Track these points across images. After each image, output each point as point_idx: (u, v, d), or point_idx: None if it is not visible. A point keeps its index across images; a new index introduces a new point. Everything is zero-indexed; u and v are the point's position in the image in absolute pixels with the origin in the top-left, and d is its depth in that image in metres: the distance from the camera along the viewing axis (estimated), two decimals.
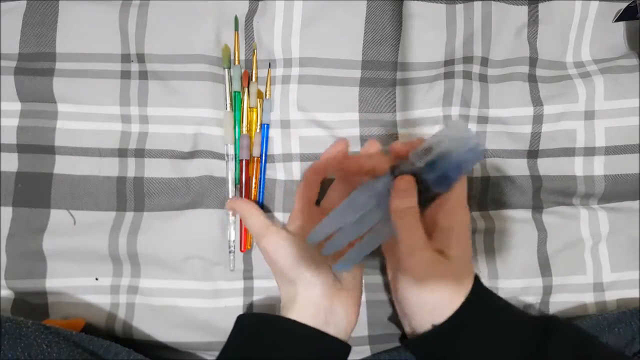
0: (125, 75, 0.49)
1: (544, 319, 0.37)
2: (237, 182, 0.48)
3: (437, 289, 0.35)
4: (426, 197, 0.36)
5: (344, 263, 0.38)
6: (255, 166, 0.48)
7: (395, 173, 0.36)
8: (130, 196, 0.48)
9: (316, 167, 0.43)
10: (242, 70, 0.49)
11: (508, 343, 0.35)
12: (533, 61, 0.51)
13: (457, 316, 0.35)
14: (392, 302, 0.48)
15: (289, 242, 0.41)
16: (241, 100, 0.48)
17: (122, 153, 0.48)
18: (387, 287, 0.48)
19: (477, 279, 0.37)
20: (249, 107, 0.48)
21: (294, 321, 0.38)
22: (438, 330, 0.35)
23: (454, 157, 0.34)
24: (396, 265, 0.39)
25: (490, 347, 0.35)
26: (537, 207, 0.50)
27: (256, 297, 0.48)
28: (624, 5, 0.50)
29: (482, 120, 0.50)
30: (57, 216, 0.48)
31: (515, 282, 0.49)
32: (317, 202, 0.45)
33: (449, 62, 0.50)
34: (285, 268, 0.40)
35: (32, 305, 0.47)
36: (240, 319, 0.40)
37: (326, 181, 0.46)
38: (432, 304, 0.36)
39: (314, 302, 0.39)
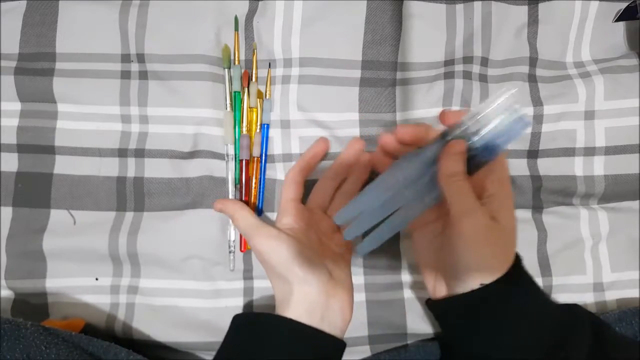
0: (125, 75, 0.49)
1: (566, 307, 0.37)
2: (237, 182, 0.48)
3: (489, 252, 0.35)
4: (471, 165, 0.36)
5: (368, 244, 0.39)
6: (255, 166, 0.48)
7: (447, 138, 0.36)
8: (130, 196, 0.48)
9: (301, 166, 0.45)
10: (242, 70, 0.49)
11: (543, 319, 0.35)
12: (533, 61, 0.51)
13: (507, 278, 0.35)
14: (389, 300, 0.48)
15: (280, 241, 0.40)
16: (241, 100, 0.48)
17: (122, 153, 0.48)
18: (388, 287, 0.48)
19: (518, 256, 0.38)
20: (249, 107, 0.48)
21: (289, 319, 0.38)
22: (487, 290, 0.35)
23: (503, 126, 0.35)
24: (436, 231, 0.40)
25: (528, 318, 0.35)
26: (537, 207, 0.50)
27: (256, 297, 0.48)
28: (624, 5, 0.50)
29: None
30: (57, 216, 0.48)
31: None
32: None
33: (449, 62, 0.50)
34: (278, 266, 0.40)
35: (32, 306, 0.47)
36: (235, 319, 0.40)
37: (309, 182, 0.46)
38: (483, 265, 0.36)
39: (308, 299, 0.39)
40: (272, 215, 0.49)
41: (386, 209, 0.38)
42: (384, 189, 0.38)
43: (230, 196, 0.48)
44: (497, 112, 0.35)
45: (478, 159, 0.36)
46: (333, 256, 0.43)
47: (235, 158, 0.48)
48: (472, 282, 0.36)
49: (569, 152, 0.50)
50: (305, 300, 0.39)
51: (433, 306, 0.41)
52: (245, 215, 0.43)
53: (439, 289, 0.40)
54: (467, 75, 0.50)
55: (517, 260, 0.37)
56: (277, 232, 0.41)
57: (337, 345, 0.39)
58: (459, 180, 0.35)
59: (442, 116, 0.38)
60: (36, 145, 0.48)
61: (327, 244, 0.44)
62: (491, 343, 0.35)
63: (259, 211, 0.48)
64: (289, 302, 0.39)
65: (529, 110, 0.50)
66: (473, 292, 0.36)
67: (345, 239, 0.39)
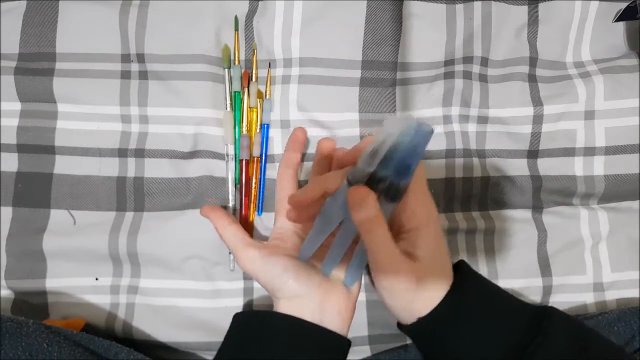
0: (125, 75, 0.49)
1: (538, 309, 0.36)
2: (237, 182, 0.48)
3: (407, 297, 0.35)
4: (394, 192, 0.34)
5: (351, 278, 0.39)
6: (255, 166, 0.48)
7: (351, 182, 0.34)
8: (130, 196, 0.48)
9: (286, 160, 0.45)
10: (242, 70, 0.49)
11: (492, 336, 0.34)
12: (533, 61, 0.51)
13: (429, 316, 0.34)
14: None
15: (266, 265, 0.38)
16: (241, 100, 0.48)
17: (122, 153, 0.48)
18: None
19: (463, 273, 0.37)
20: (249, 107, 0.48)
21: (291, 316, 0.37)
22: (416, 326, 0.35)
23: (405, 145, 0.32)
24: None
25: (473, 339, 0.34)
26: (537, 207, 0.50)
27: (256, 297, 0.48)
28: (624, 5, 0.50)
29: (482, 120, 0.50)
30: (57, 216, 0.48)
31: (515, 282, 0.49)
32: None
33: (449, 62, 0.50)
34: (268, 283, 0.39)
35: (32, 305, 0.47)
36: (236, 317, 0.40)
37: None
38: (405, 309, 0.35)
39: (301, 307, 0.38)
40: (272, 215, 0.49)
41: (348, 234, 0.37)
42: (328, 224, 0.37)
43: (230, 196, 0.48)
44: (394, 138, 0.32)
45: (395, 186, 0.34)
46: None
47: (235, 158, 0.48)
48: (404, 319, 0.36)
49: (569, 152, 0.50)
50: (297, 310, 0.38)
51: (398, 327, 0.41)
52: (234, 232, 0.41)
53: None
54: (467, 75, 0.50)
55: (457, 281, 0.36)
56: (262, 256, 0.39)
57: (340, 342, 0.38)
58: (370, 226, 0.33)
59: (337, 159, 0.38)
60: (36, 145, 0.48)
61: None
62: None
63: (259, 211, 0.48)
64: (285, 297, 0.38)
65: (529, 110, 0.50)
66: (412, 325, 0.36)
67: (324, 275, 0.39)
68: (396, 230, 0.36)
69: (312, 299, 0.38)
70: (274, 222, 0.45)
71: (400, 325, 0.38)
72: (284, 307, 0.38)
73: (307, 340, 0.37)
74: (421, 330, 0.36)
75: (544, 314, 0.35)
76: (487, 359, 0.34)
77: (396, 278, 0.34)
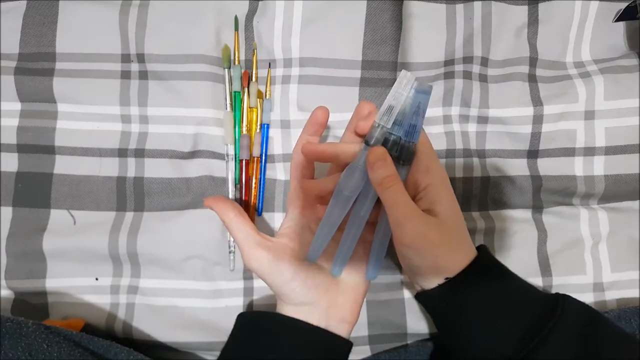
0: (125, 75, 0.49)
1: (552, 294, 0.37)
2: (237, 182, 0.48)
3: (433, 253, 0.35)
4: (404, 154, 0.36)
5: (372, 270, 0.39)
6: (255, 166, 0.48)
7: (369, 144, 0.36)
8: (130, 196, 0.48)
9: (303, 144, 0.40)
10: (242, 70, 0.49)
11: (512, 310, 0.35)
12: (533, 61, 0.51)
13: (459, 277, 0.35)
14: (389, 300, 0.48)
15: (274, 263, 0.37)
16: (241, 100, 0.48)
17: (122, 153, 0.48)
18: (388, 287, 0.48)
19: (486, 251, 0.38)
20: (249, 107, 0.48)
21: (295, 319, 0.37)
22: (440, 289, 0.36)
23: (411, 105, 0.35)
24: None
25: (495, 309, 0.35)
26: (537, 207, 0.50)
27: (256, 297, 0.48)
28: (624, 5, 0.50)
29: (482, 120, 0.50)
30: (57, 216, 0.48)
31: None
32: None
33: (449, 62, 0.50)
34: (274, 287, 0.38)
35: (32, 305, 0.47)
36: (240, 318, 0.40)
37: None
38: (432, 267, 0.36)
39: (307, 313, 0.38)
40: (272, 215, 0.49)
41: (355, 227, 0.37)
42: (341, 205, 0.37)
43: (231, 196, 0.48)
44: (398, 97, 0.35)
45: (407, 147, 0.36)
46: None
47: (235, 158, 0.48)
48: (429, 283, 0.37)
49: (569, 152, 0.50)
50: (302, 315, 0.38)
51: (416, 298, 0.42)
52: (241, 227, 0.38)
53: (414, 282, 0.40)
54: (467, 75, 0.50)
55: (481, 252, 0.37)
56: (271, 259, 0.37)
57: (343, 344, 0.38)
58: (389, 186, 0.34)
59: (357, 127, 0.37)
60: (36, 145, 0.48)
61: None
62: (462, 336, 0.36)
63: (258, 211, 0.48)
64: (289, 298, 0.38)
65: (529, 110, 0.50)
66: (432, 290, 0.36)
67: (335, 277, 0.39)
68: (412, 193, 0.37)
69: (318, 306, 0.38)
70: (285, 214, 0.43)
71: (419, 295, 0.39)
72: (289, 311, 0.38)
73: (310, 343, 0.37)
74: (444, 295, 0.36)
75: (558, 298, 0.36)
76: (504, 334, 0.34)
77: (420, 233, 0.35)
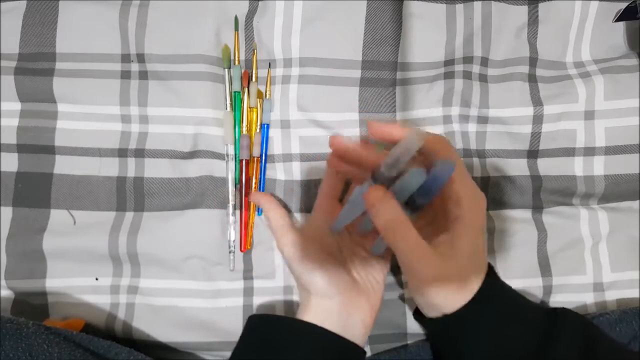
0: (125, 75, 0.49)
1: (553, 311, 0.36)
2: (237, 182, 0.48)
3: (436, 294, 0.35)
4: (414, 205, 0.33)
5: (377, 246, 0.40)
6: (255, 166, 0.48)
7: (375, 178, 0.33)
8: (130, 196, 0.48)
9: (331, 158, 0.39)
10: (242, 70, 0.49)
11: (512, 338, 0.35)
12: (533, 61, 0.51)
13: (461, 313, 0.35)
14: (389, 300, 0.48)
15: (303, 252, 0.39)
16: (241, 100, 0.48)
17: (122, 153, 0.48)
18: (388, 287, 0.48)
19: (490, 271, 0.37)
20: (249, 107, 0.48)
21: (309, 323, 0.38)
22: (444, 320, 0.36)
23: (424, 183, 0.31)
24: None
25: (494, 340, 0.35)
26: (537, 207, 0.50)
27: (256, 297, 0.48)
28: (624, 5, 0.50)
29: (482, 120, 0.50)
30: (57, 216, 0.48)
31: (515, 282, 0.48)
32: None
33: (449, 62, 0.50)
34: (301, 276, 0.40)
35: (32, 305, 0.47)
36: (252, 320, 0.40)
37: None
38: (431, 305, 0.36)
39: (328, 311, 0.38)
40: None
41: None
42: (356, 208, 0.36)
43: (230, 196, 0.48)
44: (404, 154, 0.31)
45: (417, 202, 0.33)
46: (363, 261, 0.42)
47: (235, 158, 0.48)
48: (434, 313, 0.36)
49: (569, 152, 0.50)
50: (325, 311, 0.38)
51: (413, 315, 0.42)
52: (276, 215, 0.42)
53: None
54: (467, 75, 0.50)
55: (487, 281, 0.36)
56: (302, 241, 0.40)
57: (357, 352, 0.39)
58: (392, 227, 0.32)
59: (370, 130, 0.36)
60: (36, 145, 0.48)
61: (360, 246, 0.43)
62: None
63: (258, 211, 0.48)
64: (307, 309, 0.39)
65: (529, 110, 0.50)
66: (433, 320, 0.36)
67: (359, 233, 0.39)
68: (437, 219, 0.36)
69: (339, 303, 0.39)
70: (311, 217, 0.45)
71: (418, 316, 0.39)
72: (313, 304, 0.39)
73: (325, 352, 0.37)
74: (441, 326, 0.36)
75: (557, 316, 0.35)
76: None
77: (426, 279, 0.34)
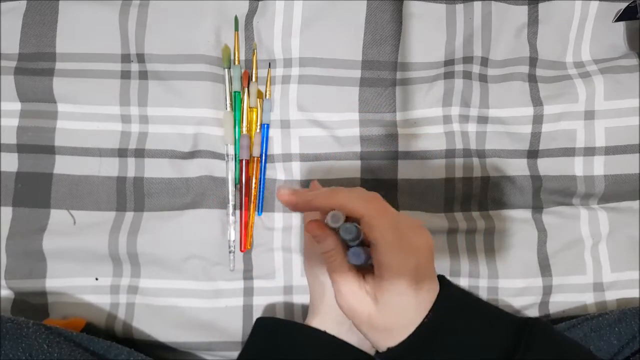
0: (125, 75, 0.49)
1: (524, 323, 0.33)
2: (237, 182, 0.48)
3: (366, 331, 0.33)
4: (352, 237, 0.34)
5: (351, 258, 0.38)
6: (255, 166, 0.48)
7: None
8: (130, 196, 0.48)
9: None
10: (242, 70, 0.49)
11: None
12: (533, 61, 0.51)
13: (397, 349, 0.32)
14: None
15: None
16: (241, 100, 0.48)
17: (122, 153, 0.48)
18: None
19: (444, 293, 0.34)
20: (249, 107, 0.48)
21: (317, 329, 0.38)
22: (385, 354, 0.33)
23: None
24: None
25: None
26: (537, 207, 0.50)
27: (256, 297, 0.48)
28: (624, 5, 0.50)
29: (482, 120, 0.50)
30: (57, 216, 0.48)
31: (515, 282, 0.49)
32: None
33: (449, 62, 0.50)
34: (312, 285, 0.40)
35: (32, 305, 0.47)
36: (260, 323, 0.40)
37: None
38: (367, 337, 0.34)
39: (338, 317, 0.38)
40: (272, 215, 0.49)
41: None
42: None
43: (230, 196, 0.48)
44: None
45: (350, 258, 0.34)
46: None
47: (235, 158, 0.48)
48: (379, 346, 0.34)
49: (569, 152, 0.50)
50: (336, 309, 0.36)
51: None
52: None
53: None
54: (467, 75, 0.50)
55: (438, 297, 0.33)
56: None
57: (363, 358, 0.38)
58: (328, 259, 0.34)
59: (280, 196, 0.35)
60: (36, 145, 0.48)
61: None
62: None
63: (259, 211, 0.48)
64: (319, 308, 0.39)
65: (529, 110, 0.50)
66: (381, 353, 0.34)
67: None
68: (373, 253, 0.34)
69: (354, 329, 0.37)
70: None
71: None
72: (323, 312, 0.39)
73: (328, 357, 0.37)
74: (392, 356, 0.33)
75: (524, 328, 0.33)
76: None
77: (354, 313, 0.33)
